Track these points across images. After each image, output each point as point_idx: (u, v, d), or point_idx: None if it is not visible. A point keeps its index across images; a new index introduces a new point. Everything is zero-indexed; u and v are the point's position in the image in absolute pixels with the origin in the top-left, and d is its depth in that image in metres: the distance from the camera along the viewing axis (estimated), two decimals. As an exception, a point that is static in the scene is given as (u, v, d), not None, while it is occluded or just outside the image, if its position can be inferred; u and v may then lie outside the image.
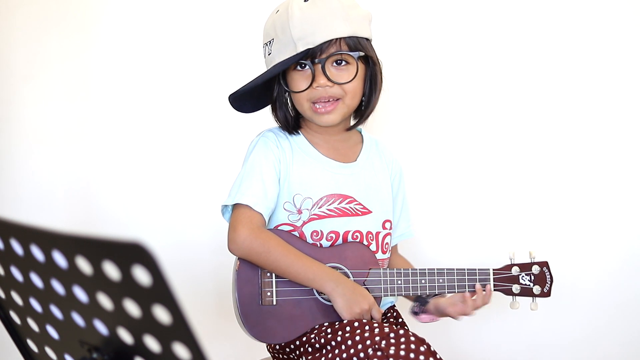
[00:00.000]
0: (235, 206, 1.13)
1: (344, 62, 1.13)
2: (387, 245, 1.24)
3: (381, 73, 1.20)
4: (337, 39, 1.10)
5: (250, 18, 1.58)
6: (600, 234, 1.67)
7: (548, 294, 1.22)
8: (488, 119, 1.70)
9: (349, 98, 1.15)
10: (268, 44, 1.17)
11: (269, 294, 1.10)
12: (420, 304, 1.20)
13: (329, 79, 1.12)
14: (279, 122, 1.22)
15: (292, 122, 1.22)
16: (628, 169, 1.67)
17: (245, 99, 1.20)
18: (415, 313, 1.21)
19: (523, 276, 1.22)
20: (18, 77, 1.74)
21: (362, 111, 1.21)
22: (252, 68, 1.26)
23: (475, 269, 1.20)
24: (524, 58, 1.68)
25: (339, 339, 1.03)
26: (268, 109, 1.26)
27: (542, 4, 1.68)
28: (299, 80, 1.14)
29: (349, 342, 1.01)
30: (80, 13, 1.73)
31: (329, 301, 1.11)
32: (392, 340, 0.96)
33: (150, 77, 1.73)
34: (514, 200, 1.69)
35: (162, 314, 0.52)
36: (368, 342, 0.98)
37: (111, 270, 0.52)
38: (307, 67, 1.12)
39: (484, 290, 1.18)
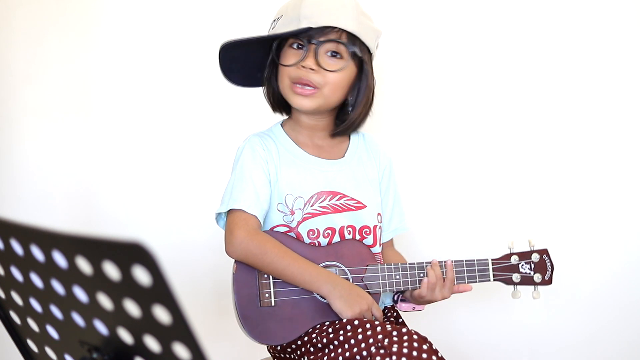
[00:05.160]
0: (230, 211, 1.14)
1: (338, 55, 1.14)
2: (380, 239, 1.25)
3: (373, 90, 1.21)
4: (340, 30, 1.12)
5: (252, 24, 1.58)
6: (601, 232, 1.67)
7: (549, 282, 1.22)
8: (482, 110, 1.70)
9: (327, 89, 1.15)
10: (276, 19, 1.18)
11: (267, 295, 1.11)
12: (400, 292, 1.22)
13: (317, 63, 1.12)
14: (267, 98, 1.24)
15: (277, 102, 1.23)
16: (629, 168, 1.67)
17: (237, 63, 1.19)
18: (394, 302, 1.23)
19: (523, 265, 1.21)
20: (18, 77, 1.73)
21: (345, 119, 1.21)
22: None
23: (474, 260, 1.20)
24: (515, 50, 1.68)
25: (341, 338, 1.03)
26: (269, 109, 1.26)
27: (536, 2, 1.68)
28: (290, 56, 1.16)
29: (352, 341, 1.01)
30: (80, 13, 1.73)
31: (327, 301, 1.11)
32: (395, 339, 0.96)
33: (150, 78, 1.73)
34: (512, 194, 1.70)
35: (162, 314, 0.52)
36: (371, 340, 0.98)
37: (111, 270, 0.52)
38: (302, 48, 1.13)
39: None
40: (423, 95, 1.71)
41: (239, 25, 1.69)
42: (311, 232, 1.16)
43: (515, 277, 1.20)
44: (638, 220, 1.66)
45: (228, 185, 1.18)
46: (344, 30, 1.12)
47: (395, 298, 1.22)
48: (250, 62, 1.20)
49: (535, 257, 1.21)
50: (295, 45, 1.15)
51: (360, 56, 1.16)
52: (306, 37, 1.13)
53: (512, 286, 1.21)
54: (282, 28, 1.14)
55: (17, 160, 1.74)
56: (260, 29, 1.24)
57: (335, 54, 1.14)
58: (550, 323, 1.68)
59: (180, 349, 0.53)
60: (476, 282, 1.19)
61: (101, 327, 0.59)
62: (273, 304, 1.11)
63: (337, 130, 1.23)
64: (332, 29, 1.12)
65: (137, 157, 1.73)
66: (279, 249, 1.10)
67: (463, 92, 1.70)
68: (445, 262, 1.18)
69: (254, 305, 1.10)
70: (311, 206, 1.17)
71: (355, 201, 1.20)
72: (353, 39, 1.14)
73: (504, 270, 1.20)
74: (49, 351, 0.72)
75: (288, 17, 1.14)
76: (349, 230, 1.18)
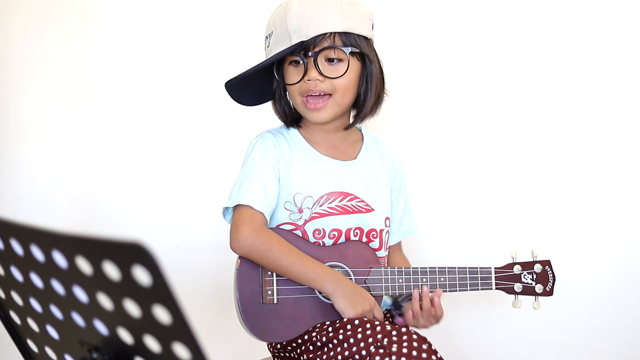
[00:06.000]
0: (237, 207, 1.13)
1: (336, 60, 1.14)
2: (387, 243, 1.25)
3: (382, 73, 1.20)
4: (331, 34, 1.12)
5: (251, 21, 1.59)
6: (602, 235, 1.67)
7: (550, 293, 1.22)
8: (490, 118, 1.70)
9: (339, 95, 1.15)
10: (268, 37, 1.18)
11: (270, 292, 1.11)
12: (395, 307, 1.21)
13: (320, 73, 1.12)
14: (278, 115, 1.24)
15: (290, 116, 1.23)
16: (630, 169, 1.66)
17: (245, 90, 1.20)
18: (391, 315, 1.22)
19: (525, 275, 1.21)
20: (18, 77, 1.74)
21: (360, 109, 1.21)
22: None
23: (477, 268, 1.20)
24: (525, 57, 1.68)
25: (340, 337, 1.03)
26: (269, 107, 1.26)
27: (543, 4, 1.68)
28: (292, 73, 1.16)
29: (351, 340, 1.01)
30: (80, 13, 1.73)
31: (330, 300, 1.11)
32: (395, 338, 0.96)
33: (150, 77, 1.73)
34: (517, 200, 1.69)
35: (162, 314, 0.52)
36: (370, 339, 0.98)
37: (111, 270, 0.52)
38: (301, 62, 1.14)
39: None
40: (430, 104, 1.71)
41: (239, 22, 1.70)
42: (317, 232, 1.16)
43: (517, 286, 1.20)
44: (638, 221, 1.66)
45: (237, 179, 1.17)
46: (335, 32, 1.12)
47: (393, 312, 1.22)
48: (258, 82, 1.20)
49: (537, 268, 1.21)
50: (294, 62, 1.16)
51: (360, 50, 1.15)
52: (301, 51, 1.12)
53: (513, 295, 1.21)
54: (275, 47, 1.14)
55: (17, 160, 1.74)
56: (260, 25, 1.24)
57: (333, 60, 1.14)
58: (550, 324, 1.68)
59: (180, 349, 0.53)
60: (478, 289, 1.19)
61: (101, 327, 0.59)
62: (275, 301, 1.11)
63: (354, 122, 1.23)
64: (323, 35, 1.11)
65: (137, 157, 1.73)
66: (285, 247, 1.10)
67: (469, 102, 1.70)
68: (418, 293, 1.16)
69: (256, 301, 1.10)
70: (320, 206, 1.17)
71: (365, 203, 1.20)
72: (347, 36, 1.13)
73: (507, 279, 1.20)
74: (49, 351, 0.72)
75: (278, 35, 1.14)
76: (356, 233, 1.18)
